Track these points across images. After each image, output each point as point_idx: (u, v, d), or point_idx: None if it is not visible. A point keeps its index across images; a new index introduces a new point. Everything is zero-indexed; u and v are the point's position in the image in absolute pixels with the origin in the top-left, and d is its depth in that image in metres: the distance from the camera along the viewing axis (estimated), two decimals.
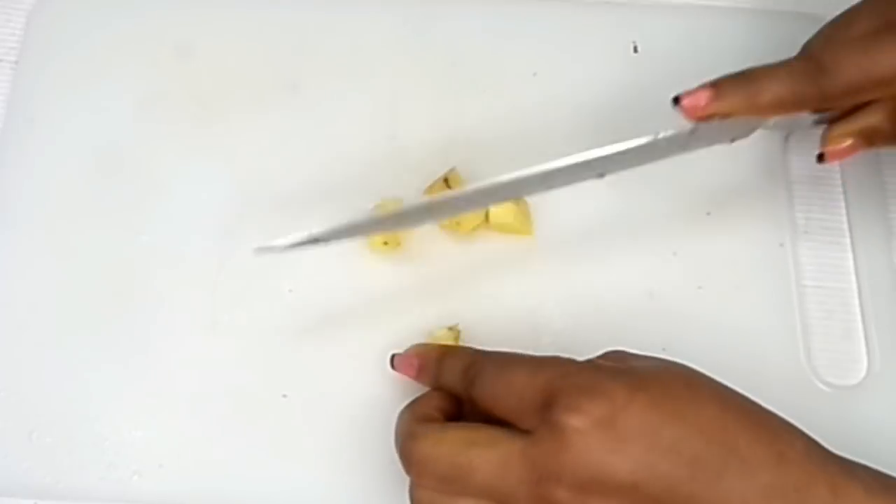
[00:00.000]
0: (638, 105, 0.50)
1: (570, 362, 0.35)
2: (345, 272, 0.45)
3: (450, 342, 0.43)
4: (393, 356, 0.41)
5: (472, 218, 0.45)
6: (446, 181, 0.46)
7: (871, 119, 0.40)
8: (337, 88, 0.50)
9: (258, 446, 0.42)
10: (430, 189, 0.46)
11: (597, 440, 0.31)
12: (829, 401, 0.43)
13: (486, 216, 0.45)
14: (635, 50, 0.51)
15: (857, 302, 0.45)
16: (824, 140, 0.41)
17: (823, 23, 0.45)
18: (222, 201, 0.47)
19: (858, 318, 0.45)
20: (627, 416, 0.31)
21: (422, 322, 0.44)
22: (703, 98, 0.38)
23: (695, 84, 0.47)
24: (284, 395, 0.43)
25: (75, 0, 0.52)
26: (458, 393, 0.37)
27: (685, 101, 0.38)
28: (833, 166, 0.48)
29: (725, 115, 0.39)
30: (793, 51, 0.47)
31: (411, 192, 0.47)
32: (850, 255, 0.46)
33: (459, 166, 0.46)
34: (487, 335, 0.44)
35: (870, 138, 0.40)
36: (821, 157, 0.41)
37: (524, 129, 0.49)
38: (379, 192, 0.46)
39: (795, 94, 0.38)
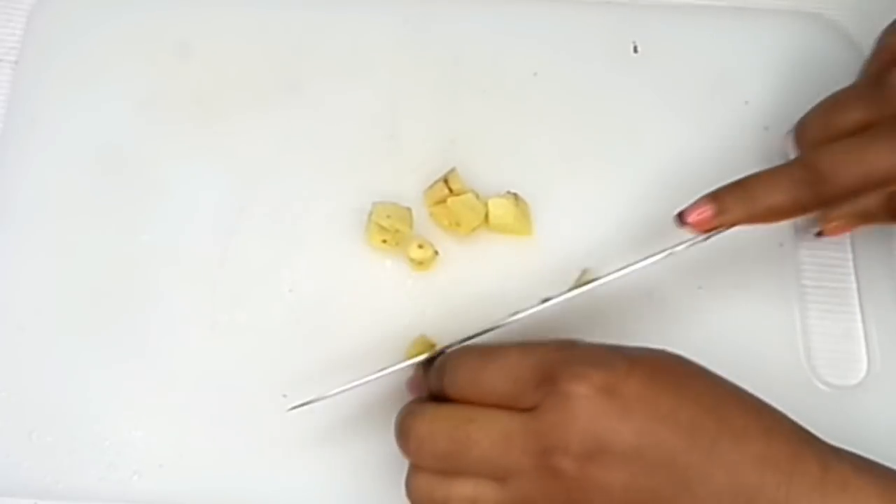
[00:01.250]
0: (638, 105, 0.50)
1: (560, 340, 0.35)
2: (345, 272, 0.46)
3: (423, 350, 0.41)
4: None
5: (472, 218, 0.45)
6: (446, 181, 0.46)
7: (866, 204, 0.42)
8: (337, 88, 0.50)
9: (258, 446, 0.42)
10: (430, 189, 0.46)
11: (602, 407, 0.32)
12: (829, 401, 0.43)
13: (486, 216, 0.45)
14: (635, 50, 0.51)
15: (857, 302, 0.45)
16: (822, 220, 0.44)
17: (823, 23, 0.45)
18: (222, 201, 0.47)
19: (858, 318, 0.45)
20: (629, 385, 0.32)
21: (422, 322, 0.44)
22: (705, 214, 0.39)
23: (694, 85, 0.47)
24: (284, 395, 0.43)
25: (75, 0, 0.52)
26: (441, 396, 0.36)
27: (690, 219, 0.39)
28: None
29: (729, 227, 0.39)
30: (791, 49, 0.48)
31: (411, 192, 0.47)
32: (850, 255, 0.46)
33: (459, 166, 0.46)
34: (488, 336, 0.44)
35: (864, 219, 0.43)
36: (820, 234, 0.45)
37: (524, 129, 0.49)
38: (379, 192, 0.46)
39: (795, 203, 0.39)
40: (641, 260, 0.39)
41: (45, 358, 0.44)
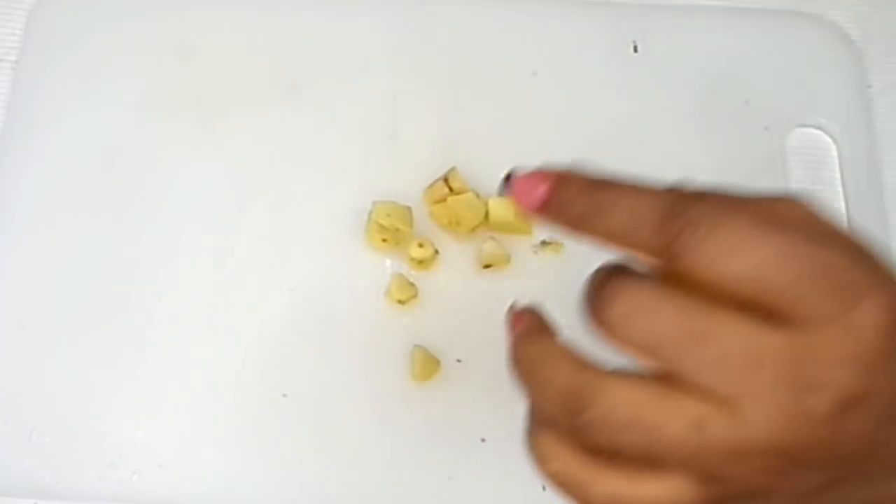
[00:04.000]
0: (638, 105, 0.50)
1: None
2: (345, 272, 0.45)
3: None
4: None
5: (472, 217, 0.45)
6: (446, 181, 0.46)
7: None
8: (337, 88, 0.50)
9: (258, 446, 0.42)
10: (430, 188, 0.46)
11: None
12: None
13: (486, 216, 0.45)
14: (635, 50, 0.51)
15: None
16: None
17: (823, 23, 0.45)
18: (222, 201, 0.47)
19: None
20: None
21: (422, 321, 0.44)
22: (535, 194, 0.27)
23: (694, 85, 0.46)
24: (284, 395, 0.43)
25: (75, 0, 0.52)
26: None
27: (516, 188, 0.28)
28: (833, 163, 0.48)
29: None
30: (791, 49, 0.47)
31: (411, 192, 0.47)
32: None
33: (459, 166, 0.46)
34: (488, 335, 0.44)
35: None
36: None
37: (524, 129, 0.49)
38: (379, 191, 0.46)
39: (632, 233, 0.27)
40: None
41: (45, 358, 0.44)
